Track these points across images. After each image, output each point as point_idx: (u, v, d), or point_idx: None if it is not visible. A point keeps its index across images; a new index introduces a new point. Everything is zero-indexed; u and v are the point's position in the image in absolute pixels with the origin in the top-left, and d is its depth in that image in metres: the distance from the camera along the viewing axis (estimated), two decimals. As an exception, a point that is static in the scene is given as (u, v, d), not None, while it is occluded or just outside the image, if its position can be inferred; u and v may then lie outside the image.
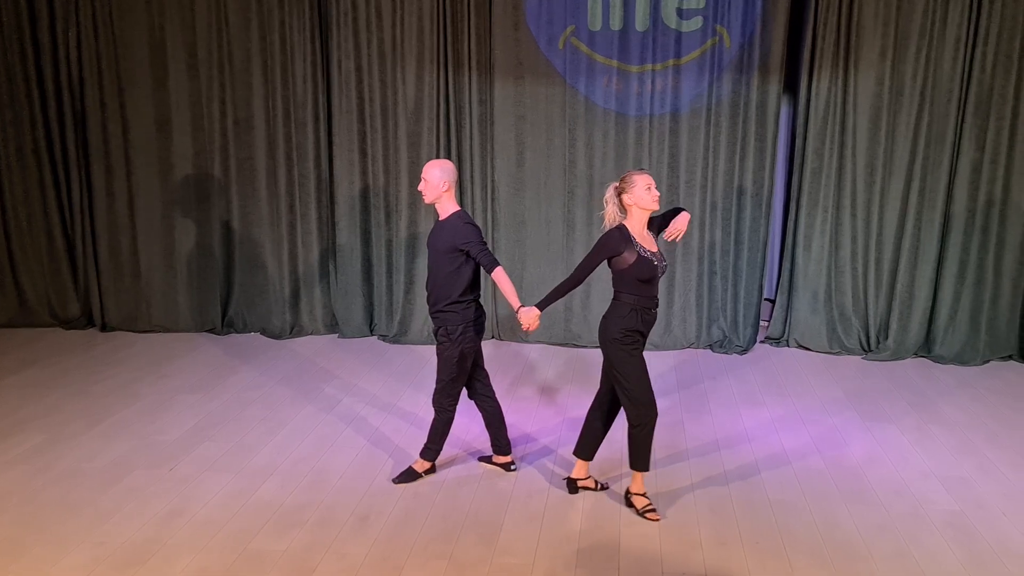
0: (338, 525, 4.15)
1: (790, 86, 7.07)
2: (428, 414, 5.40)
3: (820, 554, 3.94)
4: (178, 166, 7.19)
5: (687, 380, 6.34)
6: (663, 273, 4.17)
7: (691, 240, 6.95)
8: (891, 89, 6.57)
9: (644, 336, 4.19)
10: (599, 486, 4.56)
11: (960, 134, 6.56)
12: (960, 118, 6.54)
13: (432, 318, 4.40)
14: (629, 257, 4.04)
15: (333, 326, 7.43)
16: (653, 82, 6.67)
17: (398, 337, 7.20)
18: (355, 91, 6.95)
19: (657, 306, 4.18)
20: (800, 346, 7.10)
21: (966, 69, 6.45)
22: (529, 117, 6.84)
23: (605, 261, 4.14)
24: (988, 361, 6.80)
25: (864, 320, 7.03)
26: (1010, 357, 6.87)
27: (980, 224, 6.67)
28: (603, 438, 4.49)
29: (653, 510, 4.27)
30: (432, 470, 4.65)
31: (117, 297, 7.42)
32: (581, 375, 6.37)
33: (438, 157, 6.93)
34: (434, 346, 6.84)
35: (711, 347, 7.08)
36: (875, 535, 4.10)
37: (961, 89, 6.49)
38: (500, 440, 4.68)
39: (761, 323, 7.37)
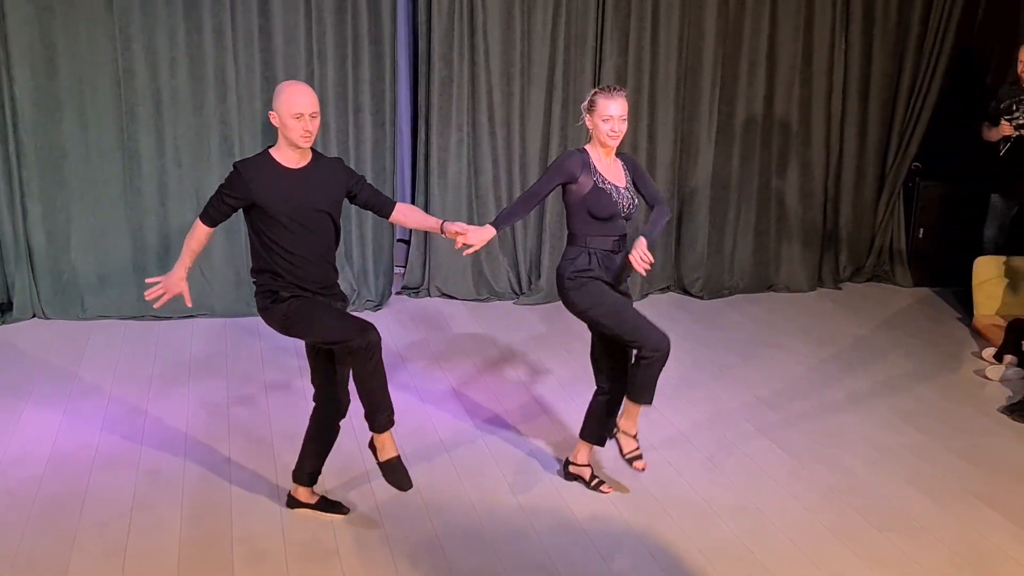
0: None
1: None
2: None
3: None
4: None
5: (301, 349, 6.30)
6: (628, 215, 4.27)
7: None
8: (522, -19, 6.98)
9: (606, 283, 4.27)
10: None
11: (601, 35, 7.17)
12: (600, 18, 7.14)
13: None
14: (585, 184, 4.15)
15: None
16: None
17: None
18: None
19: (622, 251, 4.25)
20: (444, 294, 7.42)
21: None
22: (58, 8, 6.27)
23: (560, 189, 4.25)
24: (647, 295, 7.67)
25: (513, 258, 7.50)
26: (668, 288, 7.82)
27: (629, 140, 7.32)
28: (639, 372, 4.29)
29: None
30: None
31: None
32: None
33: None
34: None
35: (336, 305, 7.12)
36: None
37: (597, -17, 7.08)
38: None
39: (396, 270, 7.56)
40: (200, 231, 4.00)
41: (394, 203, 4.21)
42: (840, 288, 8.07)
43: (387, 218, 4.21)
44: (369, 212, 6.84)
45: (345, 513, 4.33)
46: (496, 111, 7.16)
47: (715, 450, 5.08)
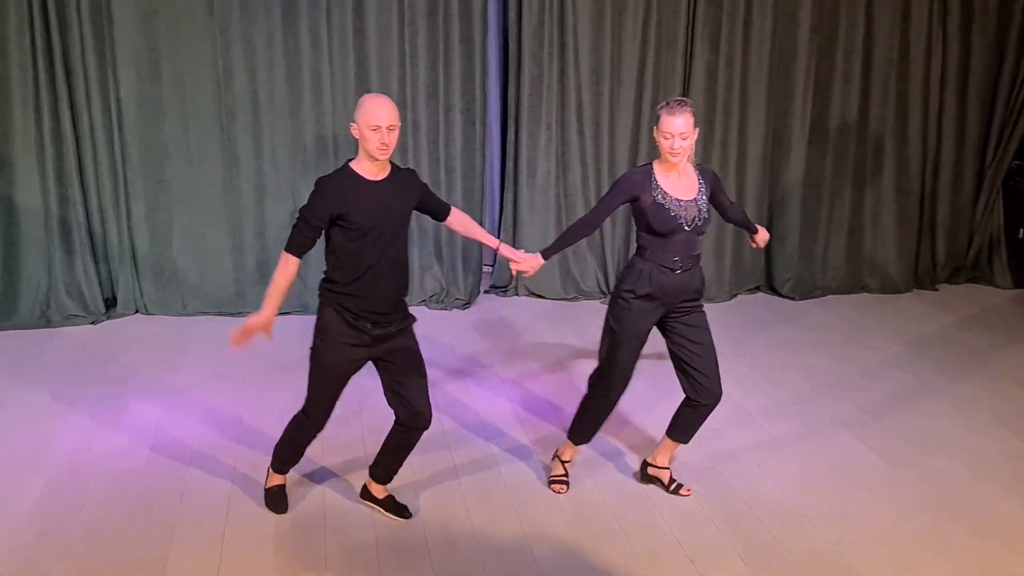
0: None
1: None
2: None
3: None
4: None
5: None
6: (694, 229, 4.21)
7: (391, 171, 7.01)
8: (613, -20, 6.97)
9: (659, 301, 4.26)
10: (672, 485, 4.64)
11: (692, 34, 7.13)
12: (691, 16, 7.10)
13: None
14: (646, 200, 4.17)
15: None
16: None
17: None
18: None
19: (684, 269, 4.23)
20: (532, 294, 7.47)
21: (693, -43, 7.01)
22: (163, 13, 6.46)
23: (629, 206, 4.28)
24: (735, 295, 7.61)
25: (601, 257, 7.51)
26: (757, 289, 7.74)
27: (719, 138, 7.33)
28: (686, 415, 4.50)
29: (561, 482, 4.63)
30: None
31: None
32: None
33: (30, 68, 6.35)
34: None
35: (426, 303, 7.23)
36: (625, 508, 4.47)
37: (690, -19, 7.05)
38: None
39: (484, 269, 7.65)
40: (292, 265, 3.93)
41: (449, 207, 4.29)
42: (936, 289, 7.89)
43: (443, 221, 4.27)
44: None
45: (407, 517, 4.36)
46: (585, 110, 7.18)
47: (806, 454, 5.03)
